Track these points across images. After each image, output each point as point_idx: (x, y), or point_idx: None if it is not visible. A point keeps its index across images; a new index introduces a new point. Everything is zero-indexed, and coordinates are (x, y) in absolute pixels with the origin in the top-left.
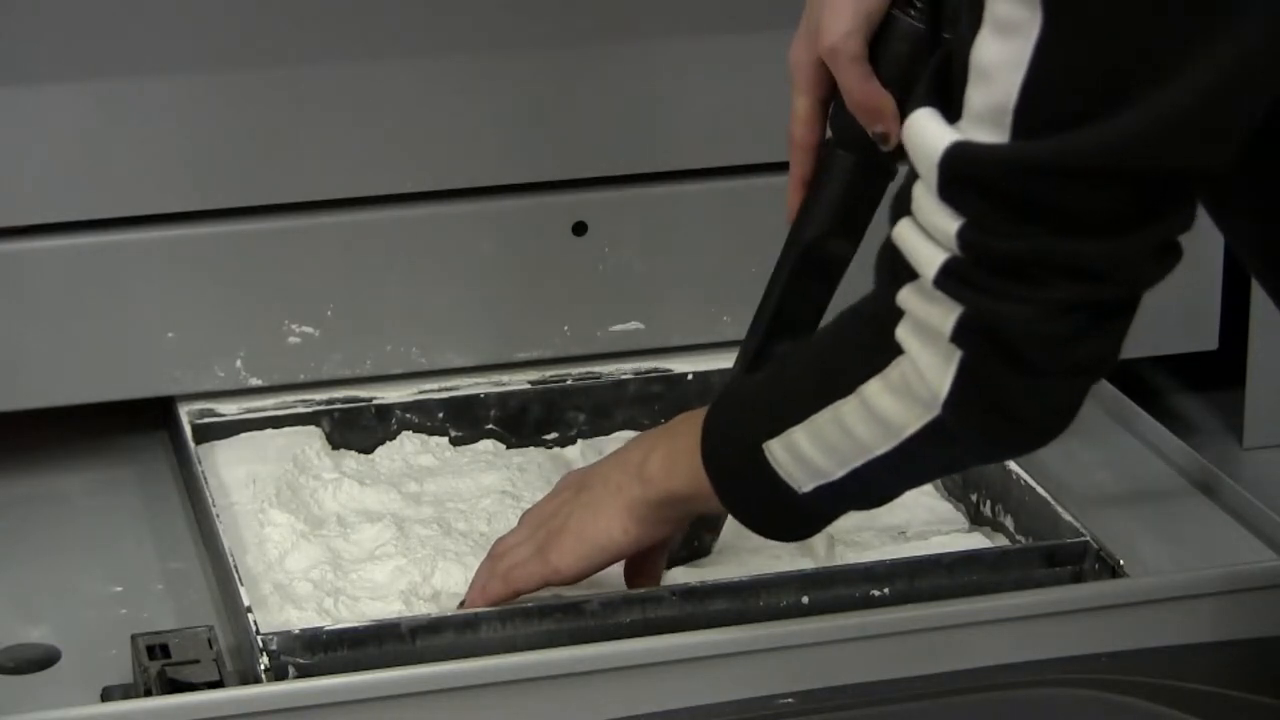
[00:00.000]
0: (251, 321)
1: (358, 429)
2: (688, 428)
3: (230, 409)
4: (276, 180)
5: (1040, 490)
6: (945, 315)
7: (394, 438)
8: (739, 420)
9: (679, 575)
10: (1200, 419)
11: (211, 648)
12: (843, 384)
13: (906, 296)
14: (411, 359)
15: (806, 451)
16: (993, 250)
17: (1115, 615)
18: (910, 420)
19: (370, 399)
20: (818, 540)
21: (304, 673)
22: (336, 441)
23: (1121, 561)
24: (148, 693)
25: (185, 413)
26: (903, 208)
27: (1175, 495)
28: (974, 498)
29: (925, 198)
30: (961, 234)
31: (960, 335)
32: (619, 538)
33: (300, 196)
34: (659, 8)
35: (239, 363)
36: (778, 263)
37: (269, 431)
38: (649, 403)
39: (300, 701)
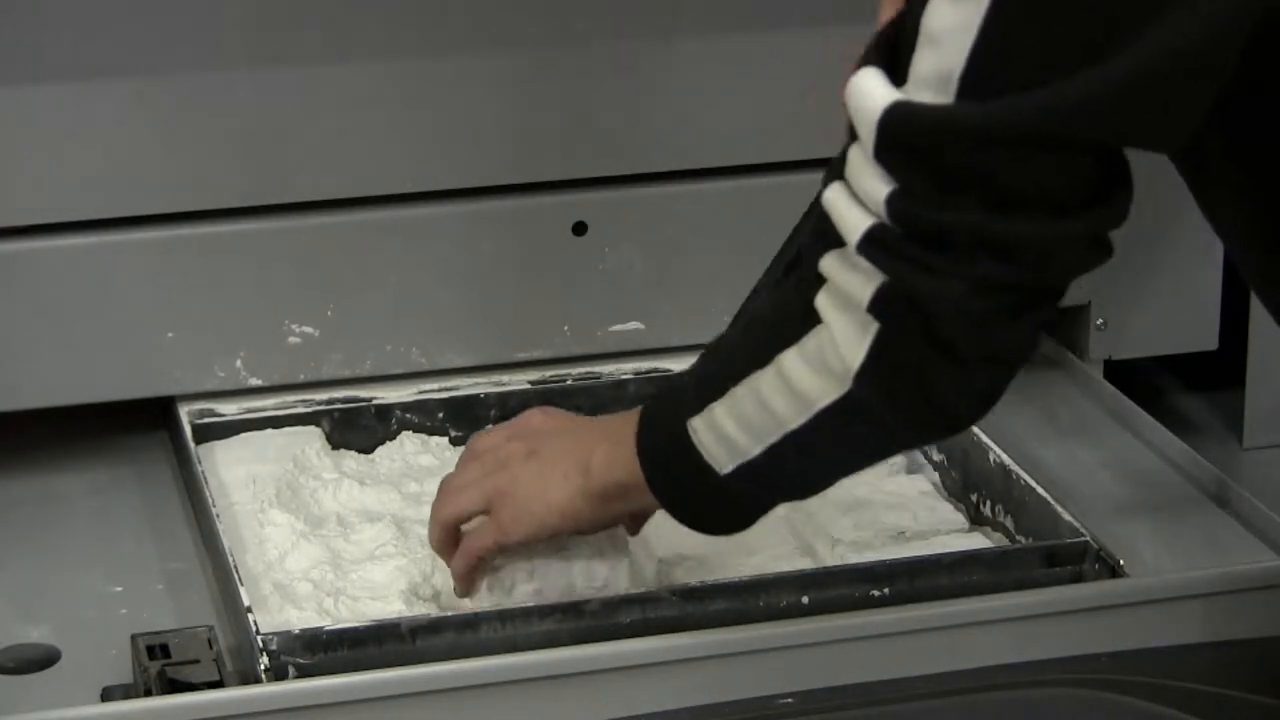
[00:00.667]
0: (251, 321)
1: (358, 429)
2: (634, 418)
3: (230, 409)
4: (276, 180)
5: (1040, 490)
6: (865, 284)
7: (394, 438)
8: (670, 402)
9: (678, 576)
10: (1200, 419)
11: (211, 648)
12: (762, 355)
13: (829, 263)
14: (411, 359)
15: (726, 428)
16: (921, 220)
17: (1115, 615)
18: (822, 393)
19: (370, 399)
20: (818, 540)
21: (304, 673)
22: (336, 441)
23: (1121, 561)
24: (148, 693)
25: (185, 413)
26: (836, 172)
27: (1175, 495)
28: (974, 498)
29: (859, 160)
30: (891, 201)
31: (878, 306)
32: (564, 521)
33: (300, 196)
34: (659, 8)
35: (239, 363)
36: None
37: (269, 431)
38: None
39: (300, 701)
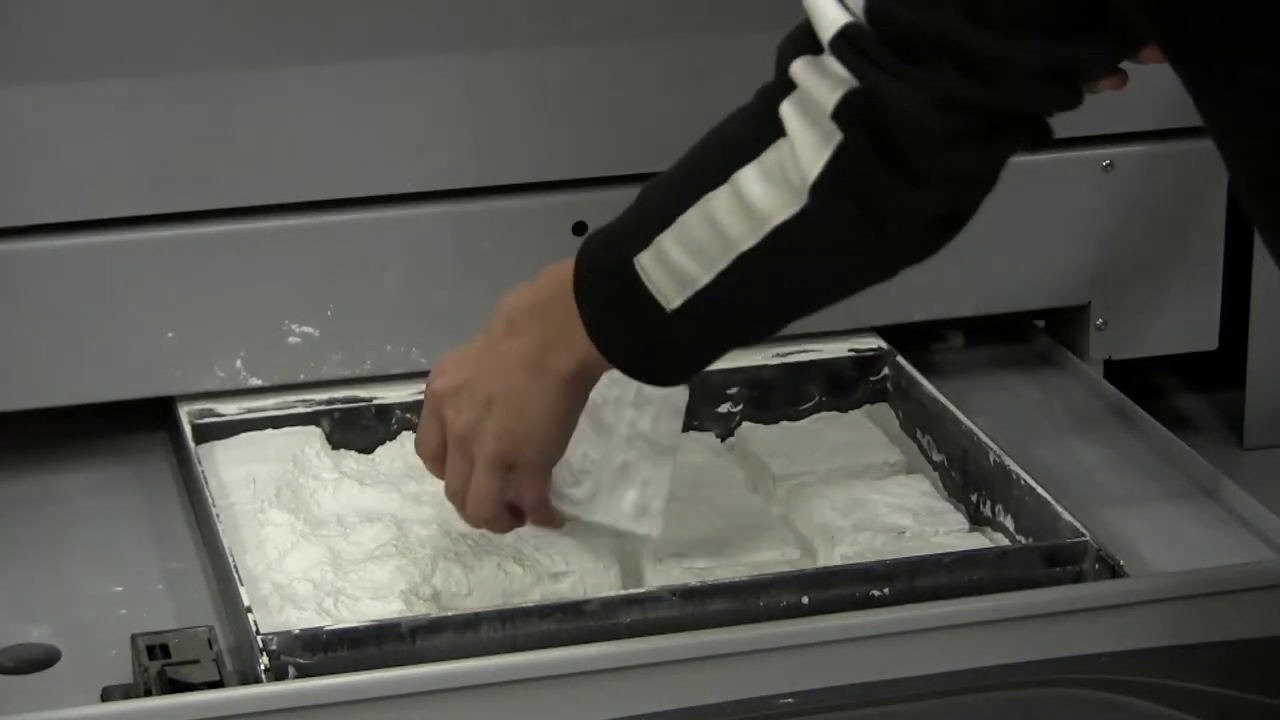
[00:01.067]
0: (251, 321)
1: (358, 429)
2: (564, 277)
3: (230, 409)
4: (276, 180)
5: (1040, 490)
6: (832, 90)
7: (394, 438)
8: (608, 243)
9: (677, 576)
10: (1200, 419)
11: (211, 648)
12: (716, 174)
13: (800, 68)
14: (411, 359)
15: (675, 257)
16: (894, 18)
17: (1115, 615)
18: (778, 209)
19: (370, 399)
20: (818, 540)
21: (304, 673)
22: (336, 441)
23: (1121, 561)
24: (148, 693)
25: (185, 413)
26: None
27: (1175, 495)
28: (974, 498)
29: None
30: None
31: (842, 112)
32: (560, 432)
33: (300, 196)
34: (659, 8)
35: (239, 363)
36: None
37: (269, 431)
38: None
39: (300, 701)
